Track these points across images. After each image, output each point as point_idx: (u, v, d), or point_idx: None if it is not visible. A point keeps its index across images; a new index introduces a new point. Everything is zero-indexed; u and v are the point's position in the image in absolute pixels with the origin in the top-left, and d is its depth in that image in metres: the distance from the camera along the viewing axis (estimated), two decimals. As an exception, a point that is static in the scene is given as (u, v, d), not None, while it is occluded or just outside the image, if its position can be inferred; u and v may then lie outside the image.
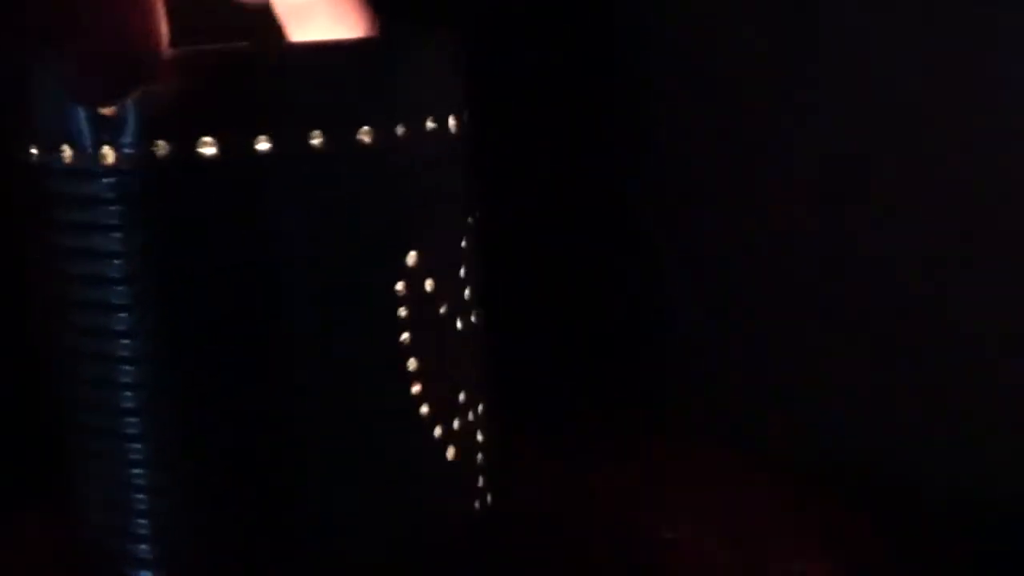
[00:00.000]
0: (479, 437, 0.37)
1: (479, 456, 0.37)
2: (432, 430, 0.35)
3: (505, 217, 0.40)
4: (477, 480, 0.37)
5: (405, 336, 0.34)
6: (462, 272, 0.35)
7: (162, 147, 0.32)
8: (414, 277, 0.34)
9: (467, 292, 0.36)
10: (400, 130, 0.34)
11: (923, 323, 0.42)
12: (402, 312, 0.34)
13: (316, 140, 0.32)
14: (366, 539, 0.34)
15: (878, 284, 0.43)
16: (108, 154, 0.32)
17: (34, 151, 0.33)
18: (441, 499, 0.35)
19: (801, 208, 0.43)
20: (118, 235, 0.32)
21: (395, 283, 0.34)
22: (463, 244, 0.36)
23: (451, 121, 0.36)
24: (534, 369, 0.45)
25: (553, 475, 0.43)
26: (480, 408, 0.36)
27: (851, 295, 0.43)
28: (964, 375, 0.41)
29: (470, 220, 0.36)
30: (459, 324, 0.35)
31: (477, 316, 0.36)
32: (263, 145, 0.32)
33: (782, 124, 0.44)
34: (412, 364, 0.34)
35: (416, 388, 0.34)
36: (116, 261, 0.32)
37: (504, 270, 0.39)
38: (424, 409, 0.35)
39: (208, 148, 0.32)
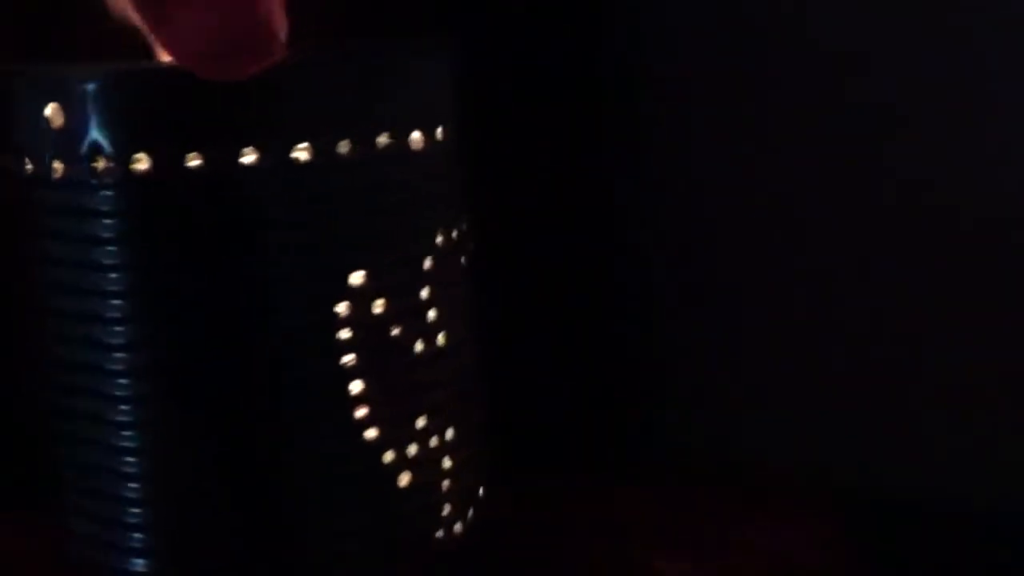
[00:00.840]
0: (446, 464, 0.35)
1: (445, 483, 0.35)
2: (381, 455, 0.34)
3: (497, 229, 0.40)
4: (440, 508, 0.35)
5: (348, 358, 0.33)
6: (424, 293, 0.34)
7: (146, 160, 0.32)
8: (359, 298, 0.33)
9: (432, 313, 0.35)
10: (382, 142, 0.33)
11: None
12: (344, 334, 0.33)
13: (301, 153, 0.32)
14: (318, 562, 0.34)
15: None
16: (96, 167, 0.32)
17: (28, 165, 0.33)
18: (391, 527, 0.34)
19: (802, 212, 0.43)
20: (110, 248, 0.32)
21: (336, 304, 0.33)
22: (427, 264, 0.34)
23: (439, 133, 0.35)
24: (529, 391, 0.44)
25: (541, 503, 0.41)
26: (450, 434, 0.35)
27: (854, 312, 0.42)
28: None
29: (454, 235, 0.35)
30: (419, 347, 0.34)
31: (451, 337, 0.35)
32: (248, 158, 0.32)
33: (781, 127, 0.43)
34: (356, 387, 0.33)
35: (361, 412, 0.33)
36: (108, 274, 0.33)
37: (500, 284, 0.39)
38: (371, 433, 0.34)
39: (194, 161, 0.32)
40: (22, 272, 0.35)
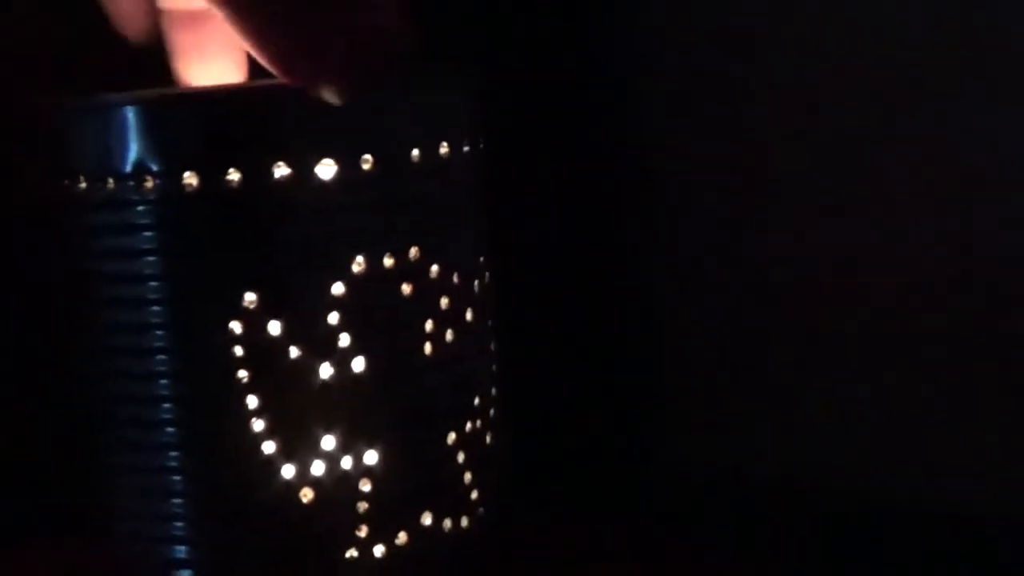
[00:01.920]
0: (363, 487, 0.36)
1: (361, 506, 0.36)
2: (279, 468, 0.35)
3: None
4: (354, 528, 0.36)
5: (242, 373, 0.35)
6: (332, 318, 0.35)
7: (188, 177, 0.35)
8: (251, 318, 0.35)
9: (345, 339, 0.36)
10: (411, 155, 0.36)
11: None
12: (238, 351, 0.35)
13: (329, 167, 0.35)
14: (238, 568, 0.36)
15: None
16: (143, 185, 0.35)
17: (82, 184, 0.37)
18: (293, 541, 0.35)
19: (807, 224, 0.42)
20: (153, 259, 0.36)
21: (229, 321, 0.35)
22: (336, 291, 0.35)
23: (464, 146, 0.38)
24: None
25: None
26: (368, 457, 0.36)
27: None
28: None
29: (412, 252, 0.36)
30: (326, 372, 0.35)
31: (373, 366, 0.36)
32: (279, 172, 0.35)
33: (790, 128, 0.42)
34: (252, 401, 0.35)
35: (259, 425, 0.35)
36: (152, 283, 0.36)
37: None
38: (270, 447, 0.35)
39: (232, 176, 0.35)
40: (73, 286, 0.39)
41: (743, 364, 0.45)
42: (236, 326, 0.35)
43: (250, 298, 0.35)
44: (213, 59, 0.38)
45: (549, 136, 0.47)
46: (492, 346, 0.40)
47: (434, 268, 0.37)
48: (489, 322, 0.40)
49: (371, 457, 0.36)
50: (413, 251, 0.36)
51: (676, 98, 0.45)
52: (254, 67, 0.37)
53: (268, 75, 0.35)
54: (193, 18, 0.39)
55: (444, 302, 0.37)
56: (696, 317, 0.46)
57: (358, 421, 0.36)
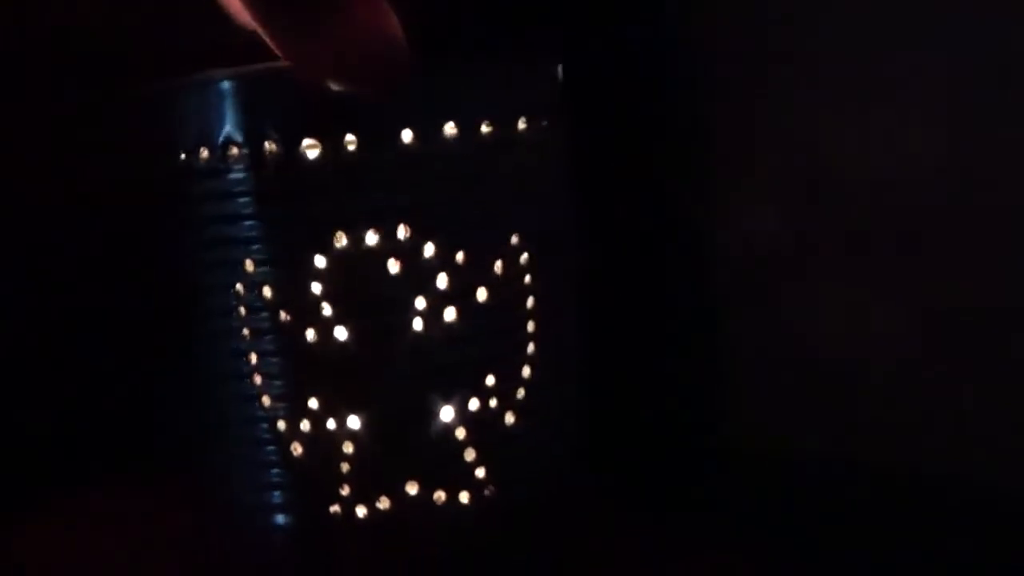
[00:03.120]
0: (346, 448, 0.38)
1: (343, 466, 0.38)
2: (275, 423, 0.38)
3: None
4: (338, 487, 0.38)
5: (245, 332, 0.38)
6: (316, 287, 0.37)
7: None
8: (250, 281, 0.38)
9: (329, 308, 0.37)
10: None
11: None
12: (241, 311, 0.38)
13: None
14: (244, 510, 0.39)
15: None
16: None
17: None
18: (285, 488, 0.38)
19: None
20: (245, 223, 0.39)
21: (235, 284, 0.38)
22: (319, 264, 0.37)
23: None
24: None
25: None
26: (353, 422, 0.38)
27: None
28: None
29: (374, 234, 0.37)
30: (311, 336, 0.37)
31: (356, 335, 0.37)
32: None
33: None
34: (252, 359, 0.38)
35: (256, 381, 0.38)
36: (243, 247, 0.39)
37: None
38: (265, 401, 0.38)
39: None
40: (174, 253, 0.42)
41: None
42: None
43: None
44: None
45: (624, 113, 0.45)
46: (534, 327, 0.40)
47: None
48: (535, 302, 0.40)
49: (354, 422, 0.38)
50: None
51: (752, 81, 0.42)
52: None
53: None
54: None
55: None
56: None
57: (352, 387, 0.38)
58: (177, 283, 0.41)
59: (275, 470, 0.39)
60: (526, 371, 0.40)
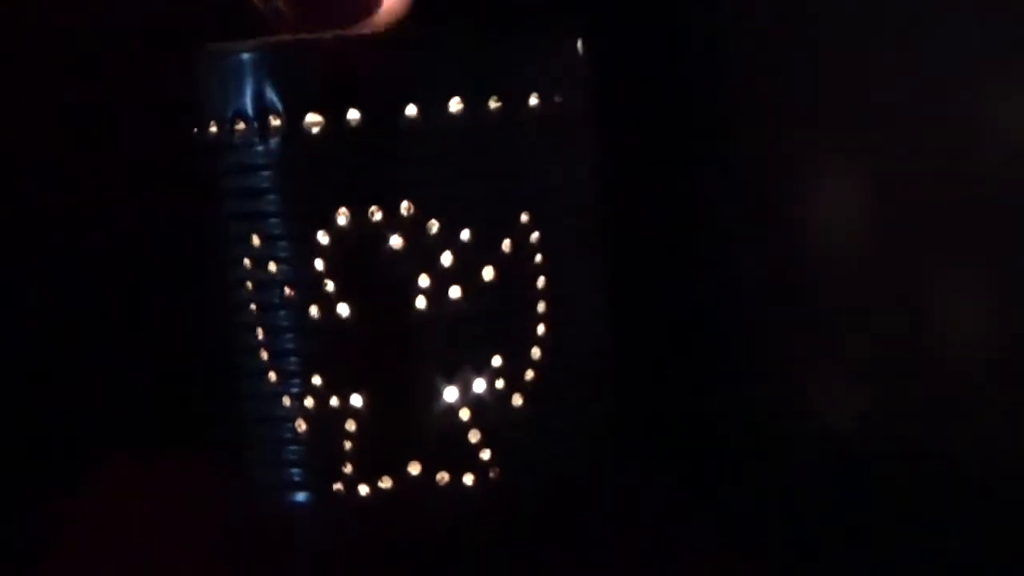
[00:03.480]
0: (348, 426, 0.37)
1: (347, 444, 0.37)
2: (280, 399, 0.38)
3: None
4: (340, 465, 0.37)
5: (252, 306, 0.38)
6: (319, 265, 0.37)
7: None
8: (255, 257, 0.38)
9: (330, 286, 0.37)
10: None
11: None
12: (248, 285, 0.38)
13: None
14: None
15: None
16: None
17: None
18: (290, 467, 0.38)
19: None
20: (273, 196, 0.39)
21: (242, 259, 0.38)
22: (322, 240, 0.37)
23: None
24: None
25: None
26: (355, 400, 0.37)
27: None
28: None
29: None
30: (314, 312, 0.37)
31: (358, 311, 0.37)
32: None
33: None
34: (259, 334, 0.38)
35: (263, 356, 0.38)
36: (276, 219, 0.39)
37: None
38: (272, 377, 0.38)
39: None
40: (208, 224, 0.41)
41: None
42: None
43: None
44: None
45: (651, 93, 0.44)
46: (545, 308, 0.39)
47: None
48: (546, 283, 0.39)
49: (357, 400, 0.38)
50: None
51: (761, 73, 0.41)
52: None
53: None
54: None
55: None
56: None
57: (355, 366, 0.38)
58: (198, 260, 0.42)
59: (281, 447, 0.39)
60: (536, 353, 0.39)
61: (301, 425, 0.39)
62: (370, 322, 0.37)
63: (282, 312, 0.38)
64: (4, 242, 0.48)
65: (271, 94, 0.37)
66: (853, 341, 0.41)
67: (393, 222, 0.37)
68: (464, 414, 0.38)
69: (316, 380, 0.38)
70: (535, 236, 0.39)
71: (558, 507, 0.39)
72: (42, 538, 0.43)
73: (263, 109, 0.37)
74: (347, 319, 0.38)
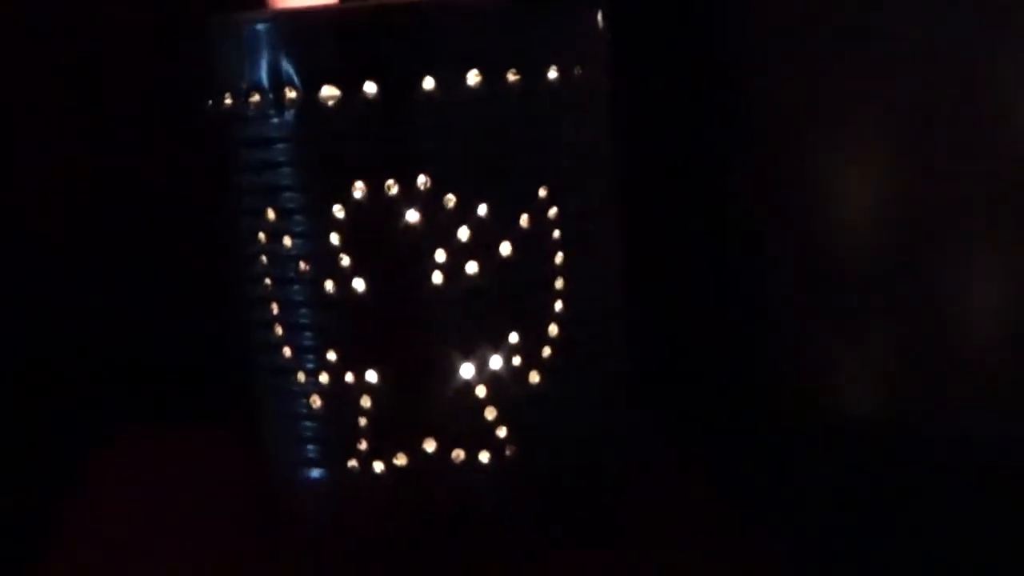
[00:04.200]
0: (364, 402, 0.37)
1: (361, 420, 0.37)
2: (295, 374, 0.38)
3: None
4: (356, 442, 0.37)
5: (267, 281, 0.38)
6: (334, 239, 0.37)
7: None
8: (271, 231, 0.37)
9: (345, 260, 0.37)
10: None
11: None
12: (263, 259, 0.37)
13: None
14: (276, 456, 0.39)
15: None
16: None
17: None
18: (304, 439, 0.37)
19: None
20: (289, 169, 0.38)
21: (259, 232, 0.37)
22: (338, 214, 0.36)
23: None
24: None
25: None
26: (370, 376, 0.37)
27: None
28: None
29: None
30: (329, 287, 0.37)
31: (373, 286, 0.36)
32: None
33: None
34: (274, 308, 0.37)
35: (278, 331, 0.37)
36: (292, 193, 0.38)
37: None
38: (286, 352, 0.38)
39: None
40: (225, 198, 0.41)
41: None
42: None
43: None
44: None
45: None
46: (563, 284, 0.39)
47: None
48: (564, 258, 0.38)
49: (372, 376, 0.37)
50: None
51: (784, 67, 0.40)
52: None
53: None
54: None
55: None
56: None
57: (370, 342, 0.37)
58: (214, 234, 0.42)
59: (295, 423, 0.39)
60: (553, 329, 0.39)
61: (316, 401, 0.38)
62: (386, 297, 0.37)
63: (297, 286, 0.38)
64: (12, 204, 0.48)
65: (287, 66, 0.37)
66: (874, 326, 0.40)
67: (410, 196, 0.37)
68: (480, 391, 0.38)
69: (331, 355, 0.38)
70: (553, 211, 0.38)
71: (574, 485, 0.39)
72: (56, 513, 0.43)
73: (278, 81, 0.37)
74: (363, 294, 0.37)
